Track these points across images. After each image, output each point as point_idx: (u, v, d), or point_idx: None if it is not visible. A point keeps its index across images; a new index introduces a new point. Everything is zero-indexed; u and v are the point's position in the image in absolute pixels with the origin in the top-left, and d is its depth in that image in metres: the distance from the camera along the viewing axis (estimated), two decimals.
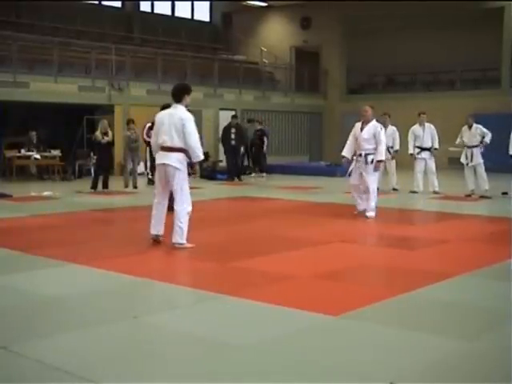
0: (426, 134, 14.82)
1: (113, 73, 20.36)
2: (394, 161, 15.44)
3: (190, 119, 7.67)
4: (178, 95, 7.80)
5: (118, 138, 17.84)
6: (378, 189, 10.78)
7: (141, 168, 17.88)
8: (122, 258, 7.25)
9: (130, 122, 16.22)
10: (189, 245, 7.76)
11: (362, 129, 10.54)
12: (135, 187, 15.78)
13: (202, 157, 7.82)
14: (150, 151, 17.14)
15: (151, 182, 16.94)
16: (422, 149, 14.79)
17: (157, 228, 7.98)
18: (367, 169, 10.40)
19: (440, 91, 24.82)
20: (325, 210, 11.90)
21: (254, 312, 5.10)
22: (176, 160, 7.66)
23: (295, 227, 9.53)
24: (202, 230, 9.18)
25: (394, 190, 15.27)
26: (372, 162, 10.36)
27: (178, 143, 7.66)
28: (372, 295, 5.57)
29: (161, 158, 7.81)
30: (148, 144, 17.07)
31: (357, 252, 7.84)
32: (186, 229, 7.74)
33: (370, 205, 10.40)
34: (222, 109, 22.95)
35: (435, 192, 14.59)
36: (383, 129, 10.63)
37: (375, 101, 24.41)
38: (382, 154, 10.40)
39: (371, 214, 10.38)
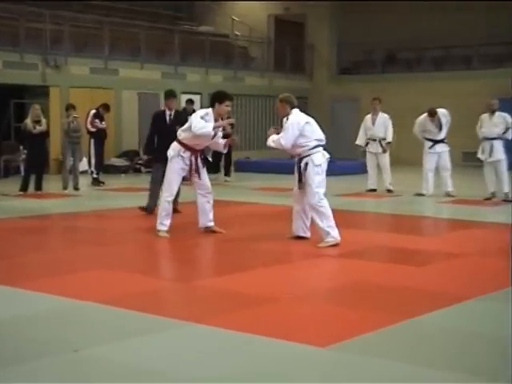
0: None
1: (47, 46, 20.21)
2: (387, 155, 15.53)
3: (194, 114, 9.53)
4: (211, 101, 9.50)
5: (54, 128, 17.71)
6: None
7: (83, 165, 17.80)
8: (58, 276, 7.21)
9: (69, 107, 16.11)
10: (163, 234, 9.48)
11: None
12: (76, 189, 15.69)
13: (201, 129, 9.15)
14: (96, 144, 17.14)
15: (96, 181, 16.89)
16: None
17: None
18: (306, 177, 9.00)
19: (453, 70, 24.89)
20: None
21: (223, 342, 5.10)
22: (170, 149, 9.55)
23: (274, 237, 9.53)
24: (160, 241, 9.18)
25: (389, 191, 15.37)
26: (306, 166, 8.96)
27: (179, 134, 9.52)
28: (367, 322, 5.60)
29: None
30: (92, 135, 17.03)
31: (351, 268, 7.87)
32: (161, 215, 9.53)
33: (320, 229, 8.97)
34: (184, 92, 22.87)
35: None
36: (292, 117, 9.00)
37: (372, 83, 24.77)
38: (271, 141, 9.09)
39: (324, 242, 8.89)
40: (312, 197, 8.92)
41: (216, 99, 9.42)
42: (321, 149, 9.12)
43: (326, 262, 8.12)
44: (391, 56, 27.38)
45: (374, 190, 15.44)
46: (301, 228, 9.29)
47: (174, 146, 9.58)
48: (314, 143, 9.04)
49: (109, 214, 12.20)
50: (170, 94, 12.20)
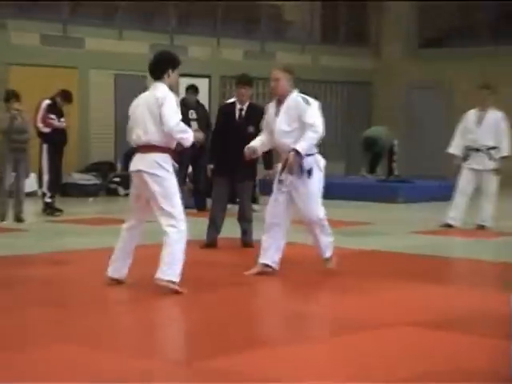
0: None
1: None
2: (495, 178, 15.40)
3: (169, 98, 9.35)
4: (158, 69, 9.52)
5: None
6: None
7: (31, 184, 17.89)
8: None
9: (11, 96, 16.22)
10: (178, 287, 9.33)
11: (276, 113, 10.26)
12: (19, 220, 15.76)
13: (190, 138, 9.44)
14: (50, 151, 17.15)
15: (50, 208, 16.90)
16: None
17: (118, 268, 9.83)
18: (301, 185, 10.31)
19: None
20: (379, 263, 12.05)
21: None
22: (153, 163, 9.33)
23: (324, 295, 9.64)
24: (159, 300, 9.30)
25: (481, 227, 15.24)
26: (310, 171, 10.20)
27: (157, 138, 9.36)
28: None
29: (135, 162, 9.59)
30: (45, 138, 17.09)
31: (440, 345, 7.81)
32: (179, 258, 9.36)
33: (323, 241, 10.72)
34: (184, 75, 22.97)
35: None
36: (305, 99, 10.06)
37: (473, 60, 24.71)
38: (305, 145, 9.99)
39: (329, 253, 10.71)
40: (313, 209, 10.36)
41: (169, 64, 9.63)
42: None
43: (398, 336, 8.03)
44: (504, 18, 27.14)
45: (450, 226, 15.30)
46: (269, 256, 10.52)
47: (162, 157, 9.47)
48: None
49: (70, 258, 12.21)
50: (244, 81, 12.49)
